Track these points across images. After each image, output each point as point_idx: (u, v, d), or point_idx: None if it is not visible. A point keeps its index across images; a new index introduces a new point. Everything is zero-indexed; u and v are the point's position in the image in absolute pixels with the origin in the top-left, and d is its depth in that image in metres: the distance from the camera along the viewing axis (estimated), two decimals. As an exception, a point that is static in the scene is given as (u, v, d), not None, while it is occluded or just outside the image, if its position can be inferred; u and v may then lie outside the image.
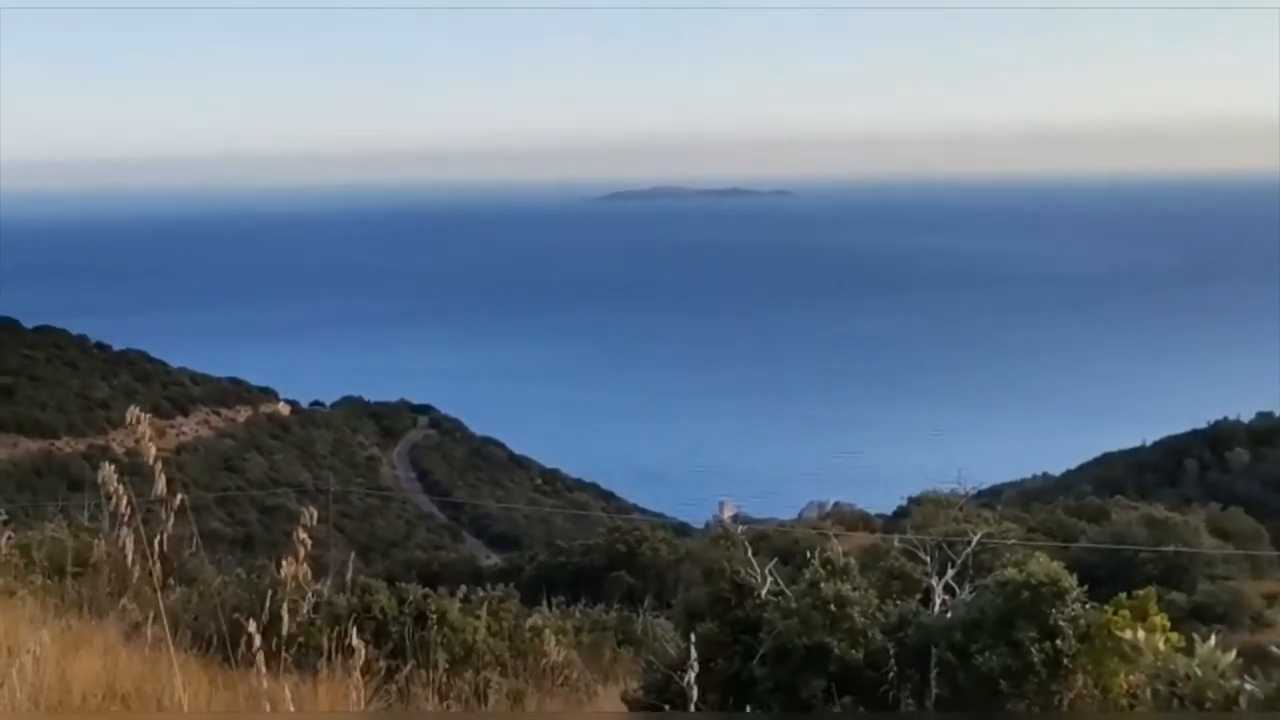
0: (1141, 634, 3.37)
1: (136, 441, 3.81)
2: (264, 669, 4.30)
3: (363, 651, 4.98)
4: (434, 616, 9.26)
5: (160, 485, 3.73)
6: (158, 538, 3.95)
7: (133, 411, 3.83)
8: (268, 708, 4.18)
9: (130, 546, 3.81)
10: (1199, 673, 2.80)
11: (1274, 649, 2.85)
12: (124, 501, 3.82)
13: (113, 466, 3.79)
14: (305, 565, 4.32)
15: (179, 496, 3.92)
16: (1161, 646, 3.21)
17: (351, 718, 5.98)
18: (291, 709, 4.11)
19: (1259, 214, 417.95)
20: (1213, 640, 2.94)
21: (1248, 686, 2.74)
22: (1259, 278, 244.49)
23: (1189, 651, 2.99)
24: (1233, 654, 2.89)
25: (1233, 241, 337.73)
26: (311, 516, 4.27)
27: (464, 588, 12.50)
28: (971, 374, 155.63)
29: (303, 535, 4.24)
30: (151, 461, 3.74)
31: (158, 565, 3.99)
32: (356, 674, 5.05)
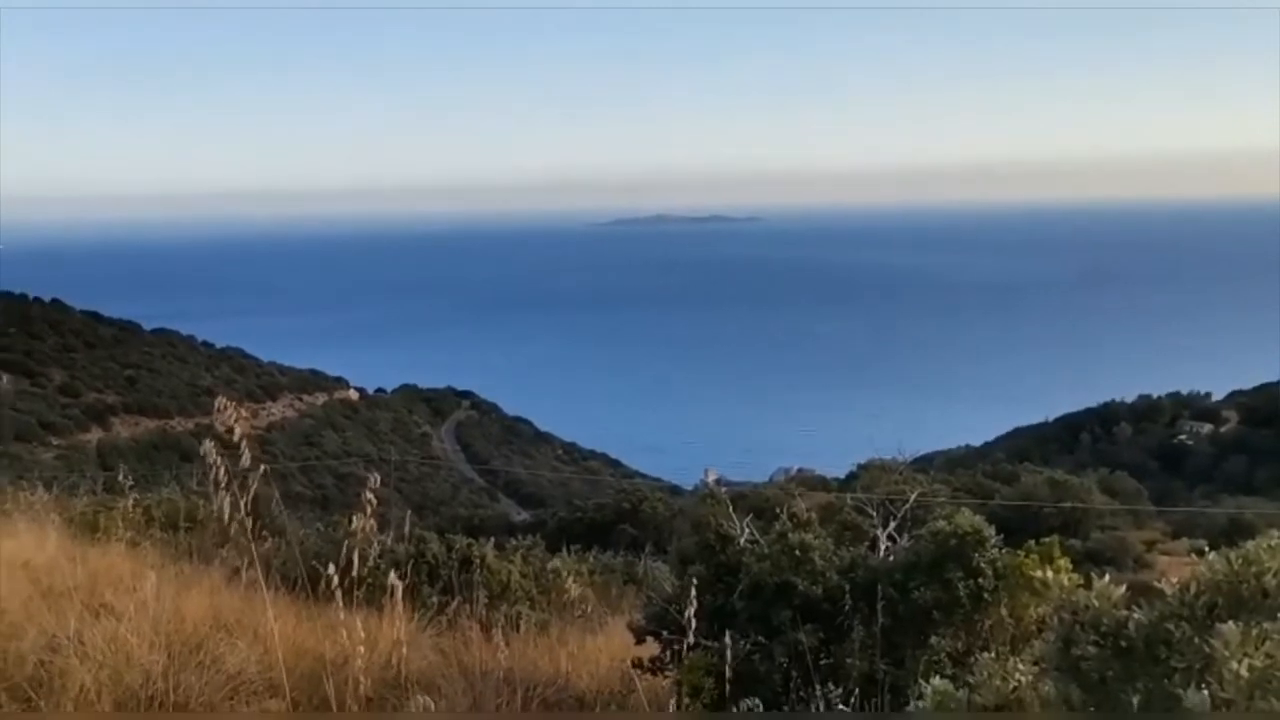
0: (1050, 573, 3.36)
1: (223, 424, 3.82)
2: (340, 604, 4.30)
3: (418, 589, 4.99)
4: (476, 561, 9.26)
5: (246, 457, 3.74)
6: (245, 499, 3.95)
7: (221, 400, 3.84)
8: (343, 634, 4.19)
9: (227, 506, 3.81)
10: (1096, 603, 2.79)
11: (1157, 584, 2.84)
12: (221, 470, 3.83)
13: (213, 442, 3.80)
14: (372, 520, 4.31)
15: (261, 466, 3.92)
16: (1066, 582, 3.20)
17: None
18: (361, 635, 4.11)
19: (1146, 234, 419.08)
20: (1106, 577, 2.93)
21: (1135, 615, 2.74)
22: (1142, 285, 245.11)
23: (1088, 587, 2.98)
24: (1122, 588, 2.88)
25: (1123, 257, 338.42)
26: (375, 481, 4.28)
27: (495, 539, 12.51)
28: (907, 364, 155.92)
29: (369, 495, 4.25)
30: (238, 439, 3.74)
31: (250, 521, 4.00)
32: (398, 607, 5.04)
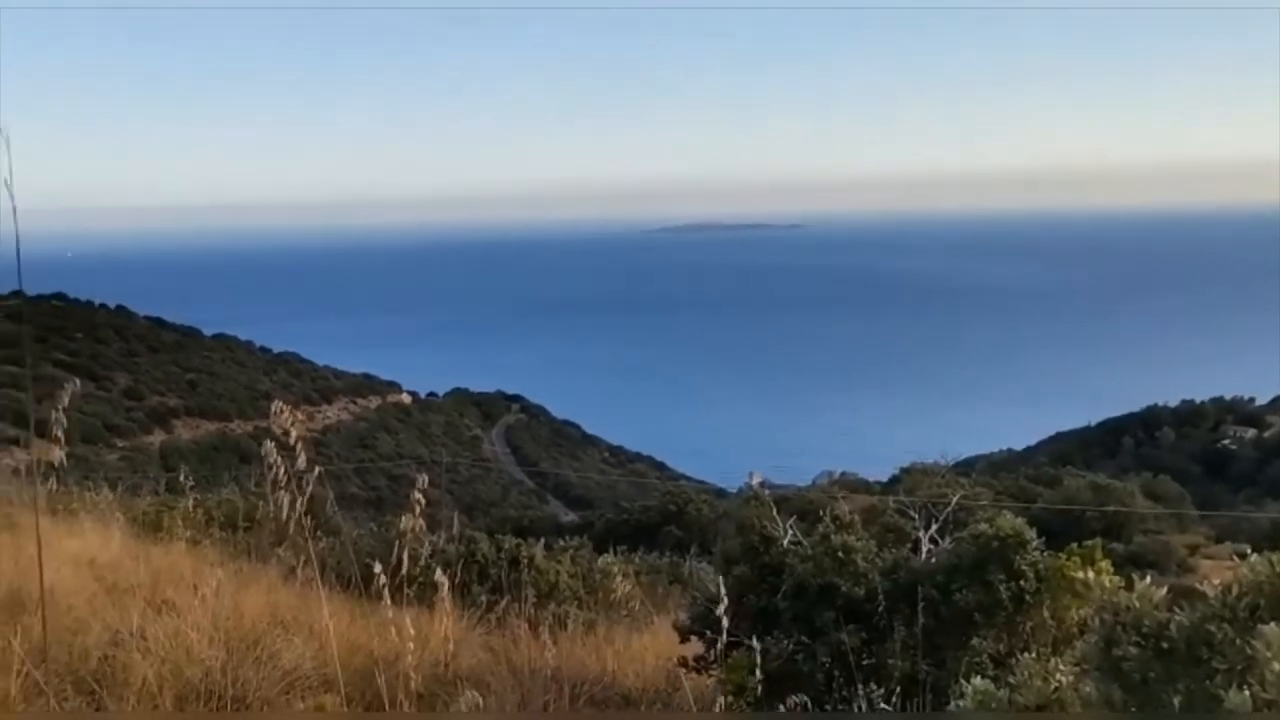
0: (1091, 574, 3.33)
1: (280, 427, 3.85)
2: (391, 602, 4.34)
3: (468, 588, 5.02)
4: (525, 561, 9.29)
5: (301, 459, 3.77)
6: (300, 499, 3.99)
7: (277, 404, 3.87)
8: (394, 632, 4.22)
9: (285, 506, 3.85)
10: (1137, 605, 2.76)
11: (1198, 586, 2.81)
12: (280, 471, 3.87)
13: (272, 444, 3.84)
14: (421, 520, 4.34)
15: (316, 468, 3.96)
16: (1107, 584, 3.17)
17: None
18: (411, 632, 4.14)
19: (1186, 241, 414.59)
20: (1148, 579, 2.90)
21: (1176, 617, 2.71)
22: (1185, 290, 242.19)
23: (1129, 589, 2.95)
24: (1164, 590, 2.85)
25: (1164, 263, 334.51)
26: (424, 482, 4.31)
27: (544, 539, 12.54)
28: (949, 369, 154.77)
29: (418, 496, 4.27)
30: (293, 442, 3.78)
31: (307, 520, 4.04)
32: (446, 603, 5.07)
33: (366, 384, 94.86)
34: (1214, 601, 2.64)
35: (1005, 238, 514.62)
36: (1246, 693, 2.27)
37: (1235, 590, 2.62)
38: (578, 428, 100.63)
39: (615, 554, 14.90)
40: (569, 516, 52.32)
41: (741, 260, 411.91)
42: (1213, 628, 2.57)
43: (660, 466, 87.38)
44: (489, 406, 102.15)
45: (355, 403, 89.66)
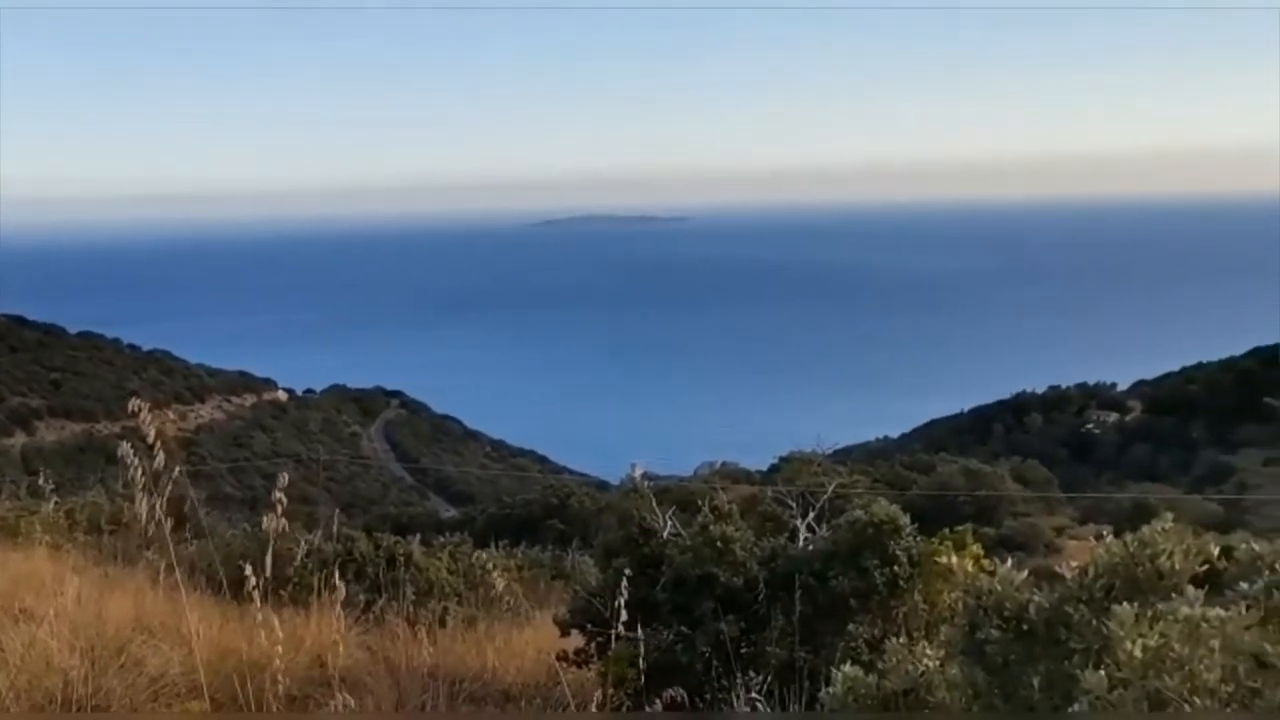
0: (955, 559, 3.39)
1: (145, 425, 3.72)
2: (264, 604, 4.22)
3: (344, 588, 4.93)
4: (403, 558, 9.17)
5: (160, 459, 3.66)
6: (160, 500, 3.87)
7: (135, 402, 3.74)
8: (262, 635, 4.12)
9: (144, 509, 3.73)
10: (999, 588, 2.82)
11: (1058, 569, 2.88)
12: (140, 472, 3.74)
13: (131, 444, 3.71)
14: (283, 520, 4.23)
15: (177, 469, 3.84)
16: (970, 568, 3.23)
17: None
18: (280, 635, 4.04)
19: (1065, 231, 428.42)
20: (1009, 562, 2.96)
21: (1036, 599, 2.77)
22: (1055, 281, 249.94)
23: (993, 572, 3.01)
24: (1026, 573, 2.91)
25: (1040, 253, 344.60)
26: (284, 480, 4.20)
27: (423, 536, 12.42)
28: (831, 359, 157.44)
29: (280, 495, 4.17)
30: (154, 441, 3.66)
31: (169, 523, 3.92)
32: (337, 608, 4.97)
33: (241, 382, 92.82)
34: (1071, 583, 2.71)
35: (887, 230, 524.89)
36: (1102, 672, 2.33)
37: (1091, 572, 2.70)
38: (459, 423, 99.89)
39: (497, 549, 14.79)
40: (450, 512, 51.97)
41: (626, 252, 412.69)
42: (1070, 609, 2.64)
43: (543, 461, 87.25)
44: (368, 403, 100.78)
45: (229, 401, 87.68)
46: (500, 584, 7.64)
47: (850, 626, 5.78)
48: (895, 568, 5.74)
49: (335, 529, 9.91)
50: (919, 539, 5.95)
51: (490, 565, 10.00)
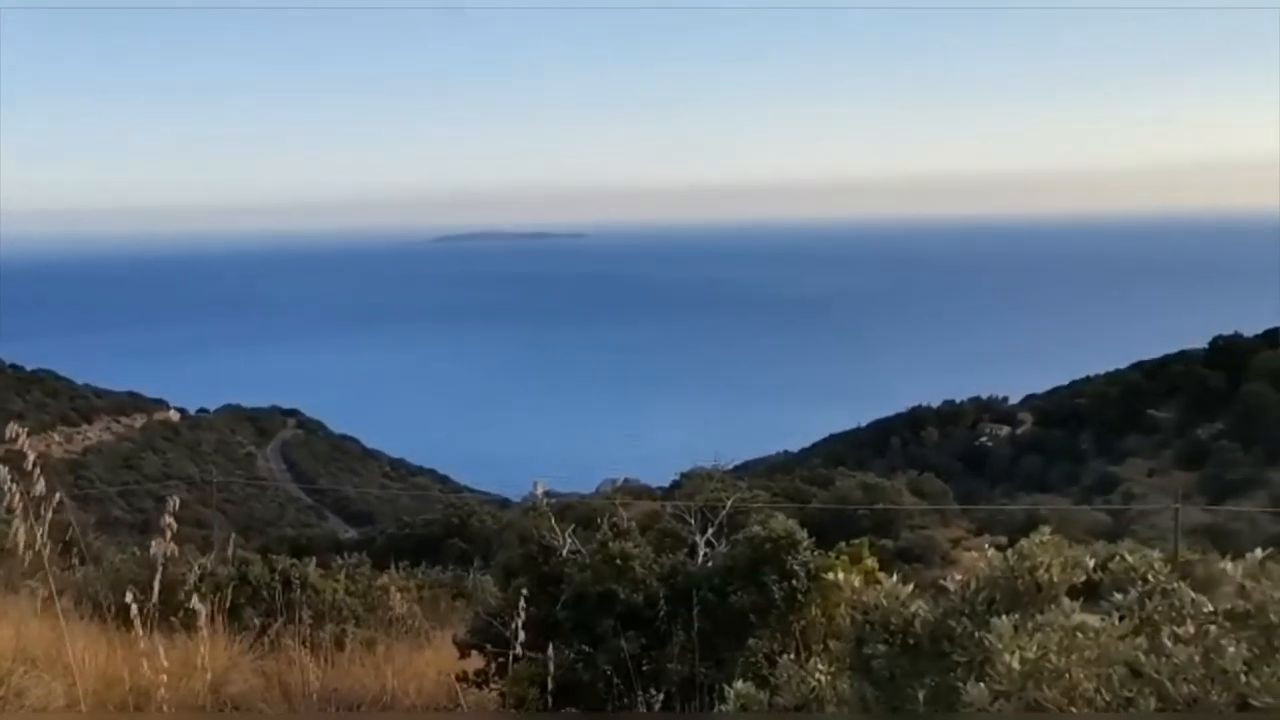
0: (842, 575, 3.45)
1: (28, 450, 3.63)
2: (150, 630, 4.13)
3: (237, 613, 4.84)
4: (298, 581, 9.03)
5: (40, 485, 3.57)
6: (40, 527, 3.76)
7: (12, 426, 3.65)
8: (145, 665, 4.02)
9: (23, 535, 3.63)
10: (885, 602, 2.88)
11: (943, 582, 2.95)
12: (17, 497, 3.65)
13: (6, 470, 3.61)
14: (173, 544, 4.15)
15: (58, 493, 3.75)
16: (857, 583, 3.29)
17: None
18: (165, 664, 3.95)
19: (960, 248, 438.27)
20: (895, 577, 3.03)
21: (921, 613, 2.83)
22: (949, 296, 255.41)
23: (879, 586, 3.08)
24: (912, 586, 2.98)
25: (936, 269, 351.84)
26: (175, 504, 4.13)
27: (321, 558, 12.23)
28: (728, 374, 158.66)
29: (169, 520, 4.09)
30: (33, 465, 3.57)
31: (57, 548, 3.83)
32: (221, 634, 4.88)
33: (131, 402, 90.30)
34: (954, 596, 2.78)
35: (787, 247, 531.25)
36: (983, 685, 2.40)
37: (973, 585, 2.77)
38: (357, 442, 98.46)
39: (397, 570, 14.63)
40: (349, 533, 51.22)
41: (523, 269, 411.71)
42: (953, 622, 2.71)
43: (443, 480, 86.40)
44: (264, 422, 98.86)
45: (119, 422, 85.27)
46: (399, 605, 7.57)
47: (750, 641, 5.84)
48: (793, 582, 5.82)
49: (230, 552, 9.72)
50: (817, 553, 6.03)
51: (389, 586, 9.90)
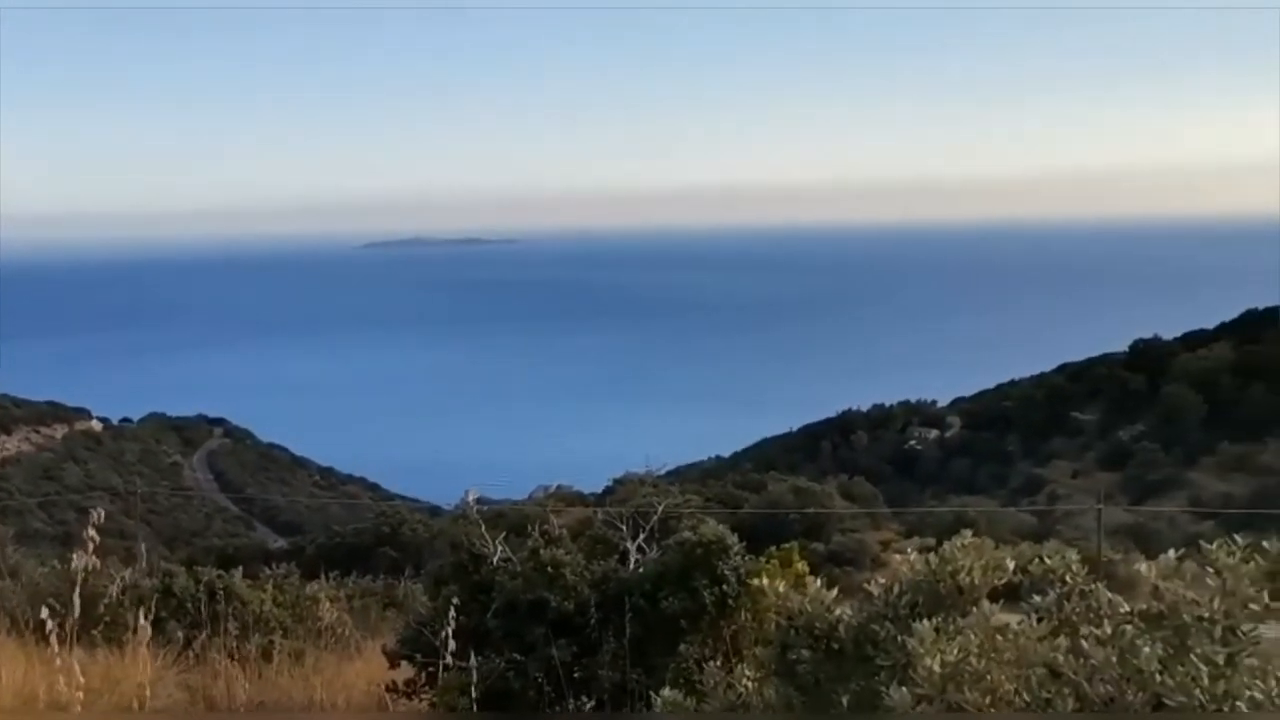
0: (767, 581, 3.48)
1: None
2: (75, 645, 4.04)
3: (160, 625, 4.76)
4: (224, 592, 8.90)
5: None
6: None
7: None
8: (61, 681, 3.94)
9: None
10: (809, 608, 2.90)
11: (867, 586, 2.99)
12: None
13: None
14: (94, 557, 4.08)
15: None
16: (782, 589, 3.32)
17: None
18: (82, 680, 3.87)
19: (885, 255, 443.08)
20: (819, 583, 3.06)
21: (845, 617, 2.86)
22: (878, 302, 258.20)
23: (804, 591, 3.10)
24: (836, 591, 3.01)
25: (865, 275, 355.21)
26: (99, 516, 4.05)
27: (249, 568, 12.07)
28: (662, 379, 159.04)
29: (92, 531, 4.02)
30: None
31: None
32: (144, 648, 4.79)
33: (51, 412, 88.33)
34: (878, 601, 2.82)
35: (718, 253, 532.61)
36: (905, 689, 2.43)
37: (896, 589, 2.81)
38: (286, 450, 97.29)
39: (326, 579, 14.47)
40: (278, 543, 50.50)
41: (455, 275, 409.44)
42: (876, 627, 2.74)
43: (374, 488, 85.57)
44: (190, 431, 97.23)
45: (38, 432, 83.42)
46: (327, 615, 7.50)
47: (681, 647, 5.85)
48: (724, 587, 5.85)
49: (154, 563, 9.57)
50: (748, 558, 6.06)
51: (318, 596, 9.79)
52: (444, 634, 4.85)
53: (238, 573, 9.88)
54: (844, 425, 73.63)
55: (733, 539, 6.14)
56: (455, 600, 5.95)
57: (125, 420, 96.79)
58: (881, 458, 66.46)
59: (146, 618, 6.39)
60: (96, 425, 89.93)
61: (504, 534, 7.15)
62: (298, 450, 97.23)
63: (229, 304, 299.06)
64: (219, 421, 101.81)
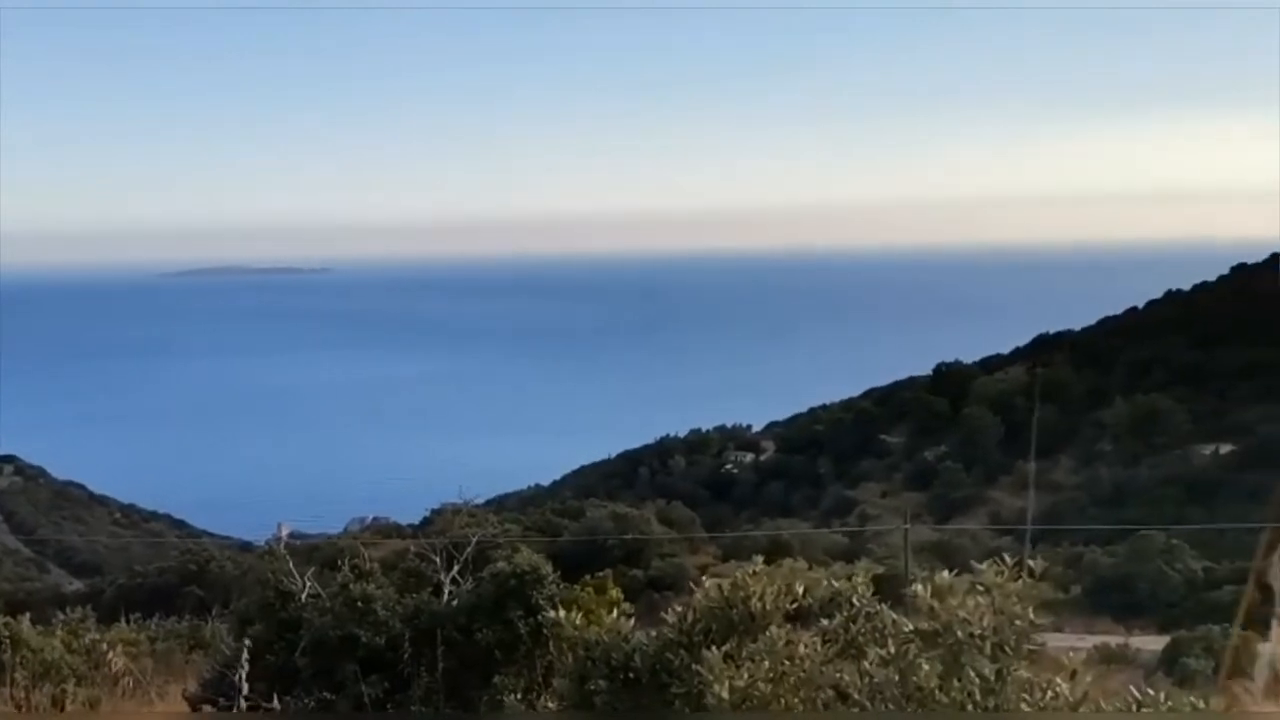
0: (564, 613, 3.51)
1: None
2: None
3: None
4: (8, 641, 8.44)
5: None
6: None
7: None
8: None
9: None
10: (606, 639, 2.95)
11: (664, 615, 3.05)
12: None
13: None
14: None
15: None
16: (579, 620, 3.36)
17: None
18: None
19: (704, 283, 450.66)
20: (615, 612, 3.11)
21: (641, 646, 2.91)
22: (697, 330, 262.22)
23: (601, 623, 3.15)
24: (632, 621, 3.06)
25: (681, 303, 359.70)
26: None
27: (41, 614, 11.47)
28: (480, 407, 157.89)
29: None
30: None
31: None
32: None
33: None
34: (672, 629, 2.88)
35: (537, 280, 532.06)
36: (698, 716, 2.49)
37: (690, 617, 2.88)
38: (83, 488, 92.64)
39: (128, 622, 13.89)
40: (74, 585, 48.12)
41: (266, 304, 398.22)
42: (671, 655, 2.80)
43: (180, 524, 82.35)
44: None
45: None
46: (118, 662, 7.20)
47: (496, 679, 5.84)
48: (538, 618, 5.85)
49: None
50: (563, 586, 6.09)
51: (109, 642, 9.37)
52: (239, 676, 4.72)
53: (25, 619, 9.38)
54: (661, 450, 74.47)
55: (548, 568, 6.17)
56: (252, 641, 5.80)
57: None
58: (699, 482, 67.42)
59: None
60: None
61: (315, 569, 7.01)
62: (96, 487, 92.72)
63: (22, 335, 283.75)
64: (9, 459, 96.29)
